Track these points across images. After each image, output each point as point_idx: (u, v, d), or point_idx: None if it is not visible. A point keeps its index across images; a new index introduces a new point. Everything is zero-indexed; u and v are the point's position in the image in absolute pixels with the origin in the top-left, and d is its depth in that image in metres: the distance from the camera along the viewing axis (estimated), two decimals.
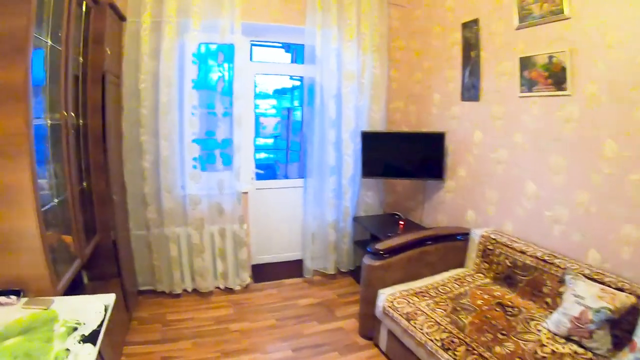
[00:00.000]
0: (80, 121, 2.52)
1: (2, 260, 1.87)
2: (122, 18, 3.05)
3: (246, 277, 3.75)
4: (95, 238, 2.73)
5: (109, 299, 1.94)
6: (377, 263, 2.80)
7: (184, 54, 3.27)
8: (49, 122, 2.07)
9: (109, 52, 2.68)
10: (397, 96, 4.09)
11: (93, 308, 1.83)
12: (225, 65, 3.44)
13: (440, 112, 3.54)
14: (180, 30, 3.21)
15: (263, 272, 4.05)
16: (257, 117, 5.01)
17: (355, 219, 3.99)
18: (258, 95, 4.97)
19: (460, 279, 2.86)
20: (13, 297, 1.82)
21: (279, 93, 5.13)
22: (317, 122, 3.79)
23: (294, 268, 4.07)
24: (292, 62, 4.51)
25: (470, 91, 3.14)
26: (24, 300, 1.84)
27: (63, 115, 2.18)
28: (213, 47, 3.45)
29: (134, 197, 3.37)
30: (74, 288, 2.67)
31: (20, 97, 1.73)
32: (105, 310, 1.83)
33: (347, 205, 3.93)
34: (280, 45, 4.47)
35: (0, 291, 1.83)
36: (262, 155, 5.50)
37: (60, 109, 2.17)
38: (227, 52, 3.41)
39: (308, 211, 3.95)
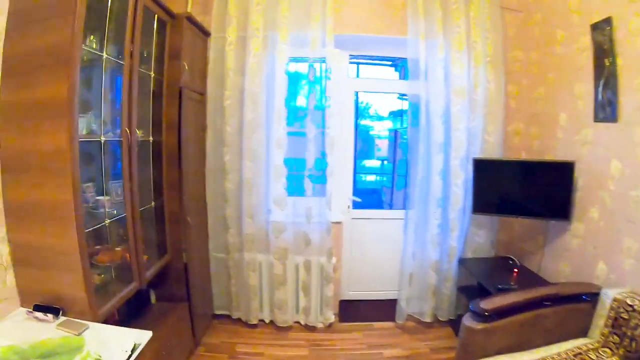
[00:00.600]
0: (151, 138, 2.48)
1: (44, 276, 1.84)
2: (206, 33, 3.02)
3: (330, 316, 3.39)
4: (165, 258, 2.65)
5: (143, 337, 1.72)
6: (480, 326, 2.20)
7: (272, 69, 3.09)
8: (103, 139, 2.01)
9: (186, 68, 2.62)
10: (516, 116, 3.41)
11: (121, 344, 1.64)
12: (318, 81, 3.18)
13: (567, 136, 2.81)
14: (267, 45, 3.06)
15: (351, 310, 3.66)
16: (372, 139, 4.74)
17: (461, 261, 3.37)
18: (373, 117, 4.69)
19: (581, 353, 2.14)
20: (50, 316, 1.76)
21: (395, 115, 4.77)
22: (422, 146, 3.28)
23: (386, 309, 3.58)
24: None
25: (606, 109, 2.39)
26: (61, 319, 1.76)
27: (125, 132, 2.10)
28: (303, 61, 3.21)
29: (215, 218, 3.26)
30: (140, 305, 2.65)
31: (63, 114, 1.67)
32: (133, 350, 1.63)
33: (453, 245, 3.34)
34: (389, 62, 4.11)
35: (41, 306, 1.79)
36: (372, 177, 5.19)
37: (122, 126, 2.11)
38: (320, 67, 3.15)
39: (408, 247, 3.43)
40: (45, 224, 1.77)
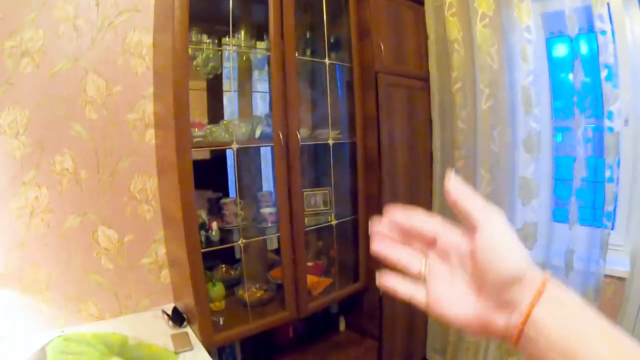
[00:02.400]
0: (330, 140, 2.07)
1: (183, 283, 1.84)
2: (417, 1, 2.23)
3: None
4: (354, 286, 2.22)
5: None
6: None
7: (511, 34, 1.99)
8: (236, 146, 1.78)
9: (382, 47, 2.03)
10: None
11: None
12: (586, 45, 1.79)
13: None
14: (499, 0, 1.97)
15: None
16: None
17: None
18: None
19: None
20: (171, 323, 1.80)
21: None
22: None
23: None
24: None
25: None
26: (181, 330, 1.76)
27: (277, 137, 1.83)
28: (556, 15, 1.90)
29: None
30: (327, 328, 2.41)
31: (169, 124, 1.61)
32: None
33: None
34: None
35: (176, 310, 1.86)
36: None
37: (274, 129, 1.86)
38: (586, 21, 1.75)
39: None
40: (174, 234, 1.80)
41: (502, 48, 2.02)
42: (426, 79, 2.35)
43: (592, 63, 1.77)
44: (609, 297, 1.93)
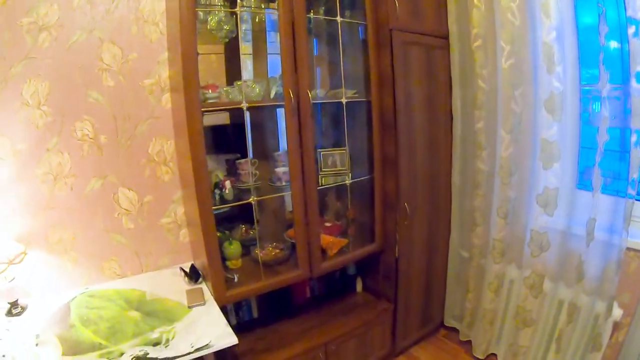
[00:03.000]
0: (344, 99, 2.03)
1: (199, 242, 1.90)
2: None
3: None
4: (369, 247, 2.22)
5: (225, 340, 1.48)
6: None
7: None
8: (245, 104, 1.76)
9: (396, 4, 1.94)
10: None
11: (200, 337, 1.49)
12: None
13: None
14: None
15: None
16: None
17: None
18: None
19: None
20: (187, 279, 1.90)
21: None
22: None
23: None
24: None
25: None
26: (196, 286, 1.86)
27: (287, 94, 1.82)
28: None
29: (461, 207, 2.39)
30: (344, 289, 2.45)
31: (179, 87, 1.65)
32: (199, 349, 1.44)
33: None
34: None
35: (193, 268, 1.95)
36: None
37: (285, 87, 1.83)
38: None
39: None
40: (189, 194, 1.85)
41: (523, 3, 1.87)
42: (445, 37, 2.23)
43: (619, 26, 1.62)
44: (631, 271, 1.81)
